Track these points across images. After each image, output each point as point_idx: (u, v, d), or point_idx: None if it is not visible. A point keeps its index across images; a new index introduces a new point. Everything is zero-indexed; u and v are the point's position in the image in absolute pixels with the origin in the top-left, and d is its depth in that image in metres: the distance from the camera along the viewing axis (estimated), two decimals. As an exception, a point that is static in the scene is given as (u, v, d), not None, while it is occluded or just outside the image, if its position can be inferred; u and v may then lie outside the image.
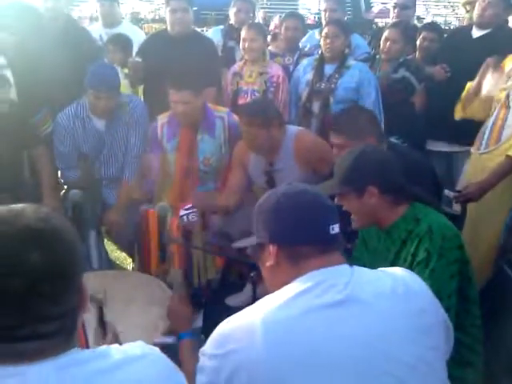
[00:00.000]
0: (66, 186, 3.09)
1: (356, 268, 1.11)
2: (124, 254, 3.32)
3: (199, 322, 2.46)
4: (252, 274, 2.22)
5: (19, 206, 0.82)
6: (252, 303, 1.10)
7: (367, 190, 1.56)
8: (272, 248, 1.13)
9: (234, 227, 2.62)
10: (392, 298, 1.05)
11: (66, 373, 0.78)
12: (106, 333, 1.37)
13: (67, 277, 0.80)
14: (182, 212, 2.75)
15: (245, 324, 1.02)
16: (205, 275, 2.82)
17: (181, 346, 1.51)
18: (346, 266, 1.10)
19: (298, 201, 1.14)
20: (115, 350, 0.86)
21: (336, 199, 1.62)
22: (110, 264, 3.07)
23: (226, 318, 1.07)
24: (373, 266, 1.18)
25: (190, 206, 2.79)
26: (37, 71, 3.10)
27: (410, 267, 1.47)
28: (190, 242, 2.71)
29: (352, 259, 1.78)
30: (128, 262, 3.25)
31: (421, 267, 1.49)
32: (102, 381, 0.80)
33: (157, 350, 0.92)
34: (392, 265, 1.42)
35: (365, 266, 1.15)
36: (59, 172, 3.14)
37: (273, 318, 1.00)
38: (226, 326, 1.04)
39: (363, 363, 0.98)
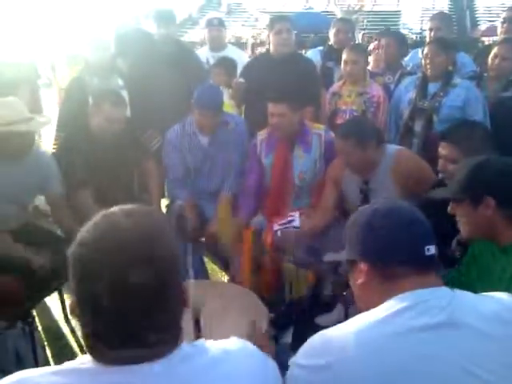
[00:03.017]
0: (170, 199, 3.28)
1: (457, 291, 1.06)
2: (219, 266, 3.44)
3: (288, 339, 2.48)
4: (345, 293, 2.20)
5: (126, 218, 0.83)
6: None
7: (484, 201, 1.49)
8: (363, 266, 1.10)
9: (326, 245, 2.62)
10: (494, 323, 1.00)
11: (172, 369, 0.82)
12: None
13: (169, 292, 0.82)
14: (276, 227, 2.81)
15: (339, 339, 1.01)
16: (296, 292, 2.83)
17: None
18: (445, 289, 1.06)
19: (393, 219, 1.10)
20: (213, 345, 0.90)
21: (449, 207, 1.57)
22: (206, 275, 3.19)
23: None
24: (483, 284, 1.13)
25: (284, 221, 2.84)
26: (148, 92, 3.36)
27: None
28: (282, 256, 2.74)
29: (458, 276, 1.72)
30: (222, 275, 3.36)
31: None
32: (203, 377, 0.83)
33: (250, 343, 0.96)
34: (508, 285, 1.34)
35: (473, 283, 1.10)
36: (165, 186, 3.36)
37: (367, 335, 0.99)
38: (320, 339, 1.04)
39: None
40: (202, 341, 0.90)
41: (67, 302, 2.90)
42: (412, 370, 0.94)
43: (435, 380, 0.94)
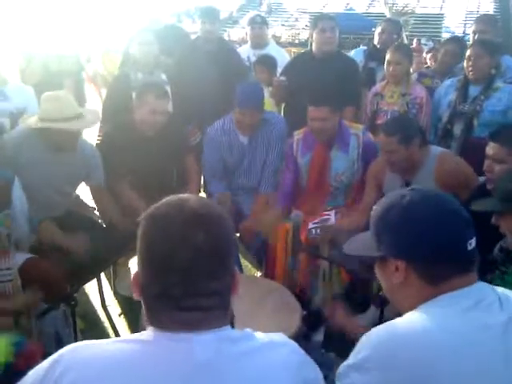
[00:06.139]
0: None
1: (497, 288, 1.03)
2: (252, 263, 3.46)
3: (320, 337, 2.48)
4: (381, 293, 2.18)
5: (185, 194, 0.93)
6: (379, 323, 1.04)
7: None
8: (400, 264, 1.01)
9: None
10: None
11: (221, 346, 0.86)
12: None
13: (224, 257, 0.89)
14: (311, 225, 2.81)
15: (415, 334, 0.94)
16: (330, 290, 2.83)
17: None
18: (486, 284, 1.02)
19: (431, 211, 1.00)
20: (260, 335, 0.93)
21: (493, 218, 1.54)
22: (240, 269, 3.22)
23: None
24: None
25: (319, 219, 2.84)
26: (190, 87, 3.42)
27: None
28: (317, 253, 2.74)
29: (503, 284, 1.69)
30: (255, 272, 3.38)
31: None
32: (248, 360, 0.87)
33: (294, 342, 0.98)
34: None
35: None
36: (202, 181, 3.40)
37: (448, 329, 0.94)
38: (392, 338, 0.96)
39: None
40: (249, 329, 0.94)
41: (105, 290, 2.98)
42: (487, 368, 0.92)
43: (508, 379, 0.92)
